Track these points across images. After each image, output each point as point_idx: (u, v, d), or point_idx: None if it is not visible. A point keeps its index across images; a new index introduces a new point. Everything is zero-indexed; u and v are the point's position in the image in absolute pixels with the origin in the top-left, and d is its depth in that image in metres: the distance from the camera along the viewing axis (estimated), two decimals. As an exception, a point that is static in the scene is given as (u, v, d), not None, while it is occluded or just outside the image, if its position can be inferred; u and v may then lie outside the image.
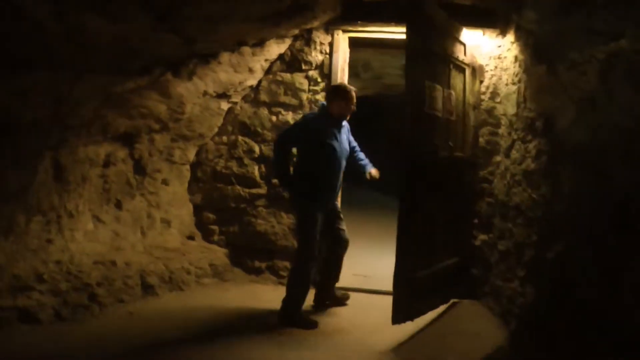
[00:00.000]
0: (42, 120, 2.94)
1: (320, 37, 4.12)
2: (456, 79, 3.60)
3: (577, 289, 2.41)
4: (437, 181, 3.35)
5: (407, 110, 3.02)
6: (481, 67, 3.92)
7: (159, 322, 3.19)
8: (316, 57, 4.15)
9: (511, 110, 3.55)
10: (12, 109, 2.78)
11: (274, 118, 4.24)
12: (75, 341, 2.82)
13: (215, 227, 4.36)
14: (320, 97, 4.12)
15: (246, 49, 3.71)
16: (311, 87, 4.17)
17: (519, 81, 3.38)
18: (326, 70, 4.13)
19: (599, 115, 2.28)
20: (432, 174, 3.30)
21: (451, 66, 3.52)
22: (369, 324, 3.31)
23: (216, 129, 4.29)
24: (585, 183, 2.44)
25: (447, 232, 3.52)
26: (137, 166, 3.88)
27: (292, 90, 4.21)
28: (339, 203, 3.70)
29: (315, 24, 3.97)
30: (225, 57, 3.62)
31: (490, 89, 3.91)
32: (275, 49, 4.02)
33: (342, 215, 3.60)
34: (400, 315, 3.04)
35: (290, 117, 4.20)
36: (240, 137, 4.30)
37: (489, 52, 3.91)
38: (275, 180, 4.19)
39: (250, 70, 3.96)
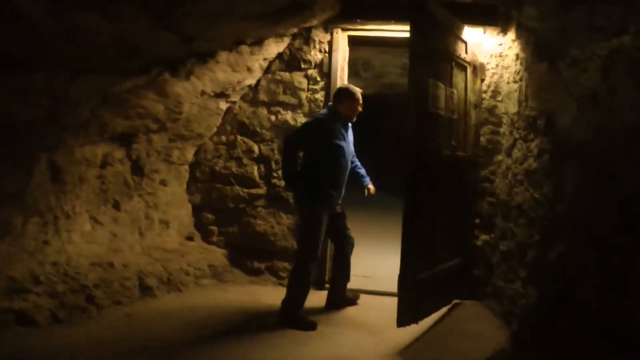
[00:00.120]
0: (39, 120, 2.92)
1: (320, 36, 4.09)
2: (458, 78, 3.56)
3: (578, 289, 2.38)
4: (439, 181, 3.32)
5: (410, 109, 2.99)
6: (482, 66, 3.89)
7: (157, 323, 3.17)
8: (315, 56, 4.12)
9: (512, 108, 3.52)
10: (8, 110, 2.76)
11: (273, 117, 4.22)
12: (73, 343, 2.80)
13: (214, 228, 4.33)
14: (320, 96, 4.10)
15: (244, 48, 3.69)
16: (310, 86, 4.14)
17: (521, 79, 3.35)
18: (325, 69, 4.10)
19: (600, 113, 2.24)
20: (435, 174, 3.27)
21: (453, 64, 3.49)
22: (369, 325, 3.29)
23: (215, 129, 4.26)
24: (587, 182, 2.40)
25: (448, 233, 3.49)
26: (134, 167, 3.85)
27: (291, 89, 4.18)
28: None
29: (314, 22, 3.95)
30: (223, 56, 3.60)
31: (492, 88, 3.88)
32: (274, 48, 3.99)
33: (346, 214, 3.60)
34: (405, 317, 3.01)
35: (289, 116, 4.17)
36: (239, 137, 4.27)
37: (490, 50, 3.89)
38: (275, 181, 4.17)
39: (249, 70, 3.94)
